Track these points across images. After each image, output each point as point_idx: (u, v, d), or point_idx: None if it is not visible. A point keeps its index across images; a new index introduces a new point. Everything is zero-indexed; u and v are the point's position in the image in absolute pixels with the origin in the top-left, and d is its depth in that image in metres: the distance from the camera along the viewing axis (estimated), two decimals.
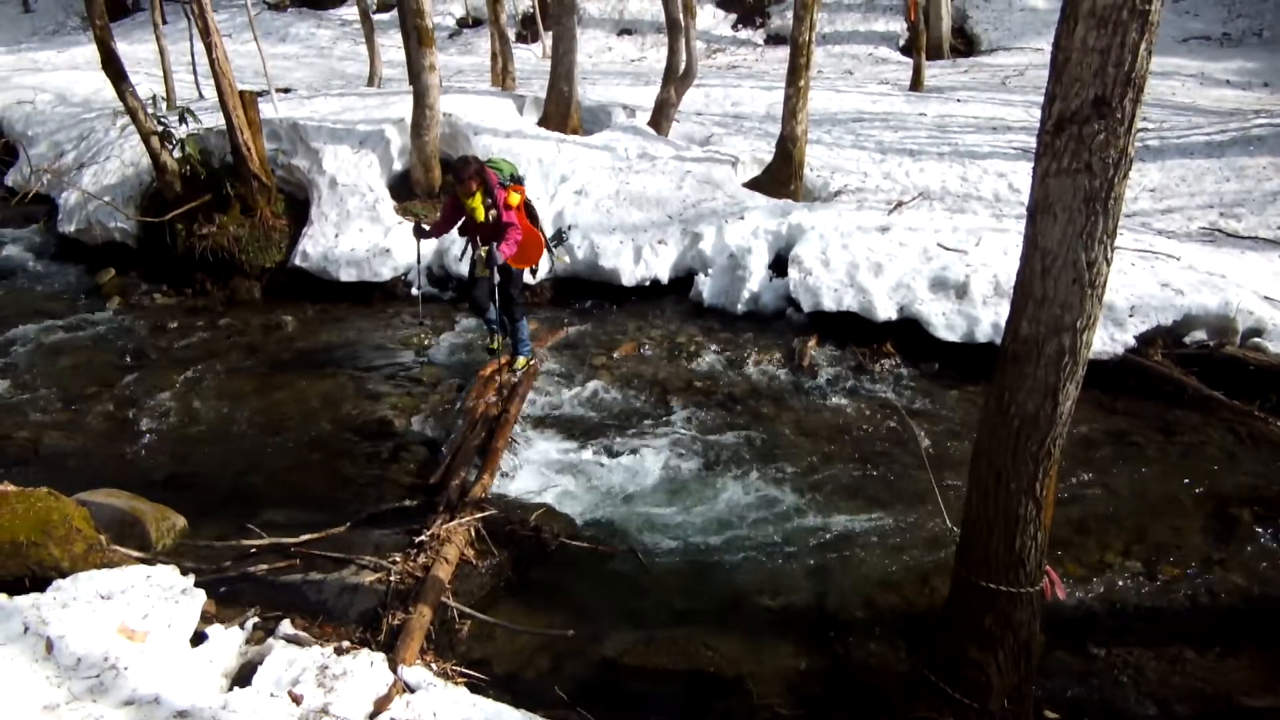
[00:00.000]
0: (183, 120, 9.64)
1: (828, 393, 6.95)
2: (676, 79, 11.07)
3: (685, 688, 4.27)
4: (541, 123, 11.08)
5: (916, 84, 14.45)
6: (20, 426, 6.77)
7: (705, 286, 8.44)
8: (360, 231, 9.20)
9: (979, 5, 19.10)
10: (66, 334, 8.52)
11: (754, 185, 9.99)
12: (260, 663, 3.73)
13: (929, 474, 5.13)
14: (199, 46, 10.03)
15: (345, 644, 3.98)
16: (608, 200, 9.35)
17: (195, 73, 13.63)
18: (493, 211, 6.55)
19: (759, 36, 20.11)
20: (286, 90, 13.27)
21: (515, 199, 6.67)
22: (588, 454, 6.21)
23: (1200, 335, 6.86)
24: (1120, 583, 4.84)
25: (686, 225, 8.88)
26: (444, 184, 9.79)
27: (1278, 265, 7.76)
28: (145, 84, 10.96)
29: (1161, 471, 5.81)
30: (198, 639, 3.86)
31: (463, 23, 21.95)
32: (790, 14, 12.11)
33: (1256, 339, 6.70)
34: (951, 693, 3.77)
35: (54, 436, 6.64)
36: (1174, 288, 7.01)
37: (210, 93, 11.06)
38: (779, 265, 8.30)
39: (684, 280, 8.70)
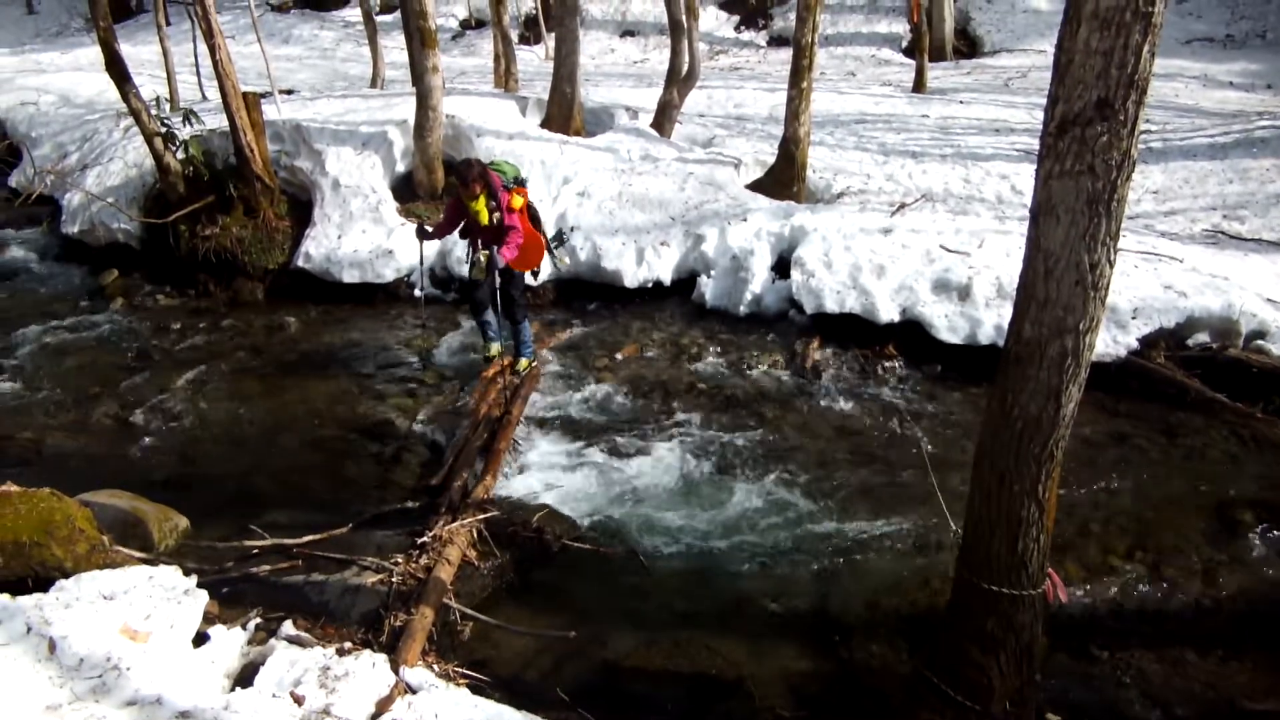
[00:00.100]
0: (186, 122, 9.66)
1: (830, 395, 6.95)
2: (679, 81, 11.08)
3: (687, 689, 4.27)
4: (544, 124, 11.09)
5: (919, 86, 14.45)
6: (23, 427, 6.78)
7: (708, 288, 8.44)
8: (363, 233, 9.21)
9: (982, 7, 19.09)
10: (69, 335, 8.54)
11: (756, 187, 9.99)
12: (262, 663, 3.74)
13: (931, 476, 5.13)
14: (202, 48, 10.04)
15: (347, 645, 3.98)
16: (610, 202, 9.36)
17: (198, 74, 13.67)
18: (496, 214, 6.55)
19: (761, 38, 20.11)
20: (289, 92, 13.29)
21: (518, 202, 6.68)
22: (590, 456, 6.21)
23: (1203, 337, 6.85)
24: (1123, 585, 4.83)
25: (689, 227, 8.88)
26: (447, 185, 9.80)
27: None
28: (149, 85, 10.98)
29: (1164, 474, 5.80)
30: (200, 639, 3.87)
31: (466, 24, 21.97)
32: (793, 16, 12.12)
33: (1259, 341, 6.69)
34: (953, 695, 3.77)
35: (57, 437, 6.65)
36: (1177, 290, 7.00)
37: (213, 94, 11.07)
38: (781, 267, 8.29)
39: (686, 282, 8.69)
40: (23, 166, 12.48)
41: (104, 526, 4.67)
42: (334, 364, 7.81)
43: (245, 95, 9.10)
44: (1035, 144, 3.23)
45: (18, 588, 4.01)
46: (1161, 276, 7.19)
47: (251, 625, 4.14)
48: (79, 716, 3.27)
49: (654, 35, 20.05)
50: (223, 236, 9.34)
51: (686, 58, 10.92)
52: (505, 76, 13.45)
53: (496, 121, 10.63)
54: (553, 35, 14.07)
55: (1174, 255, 7.56)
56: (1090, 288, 3.08)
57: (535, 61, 18.16)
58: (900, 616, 4.67)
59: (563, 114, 11.09)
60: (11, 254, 10.75)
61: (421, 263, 7.75)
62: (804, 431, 6.45)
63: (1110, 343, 6.72)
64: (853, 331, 7.55)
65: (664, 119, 11.23)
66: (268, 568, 4.83)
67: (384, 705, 3.59)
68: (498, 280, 6.74)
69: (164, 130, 9.41)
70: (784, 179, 10.01)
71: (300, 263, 9.20)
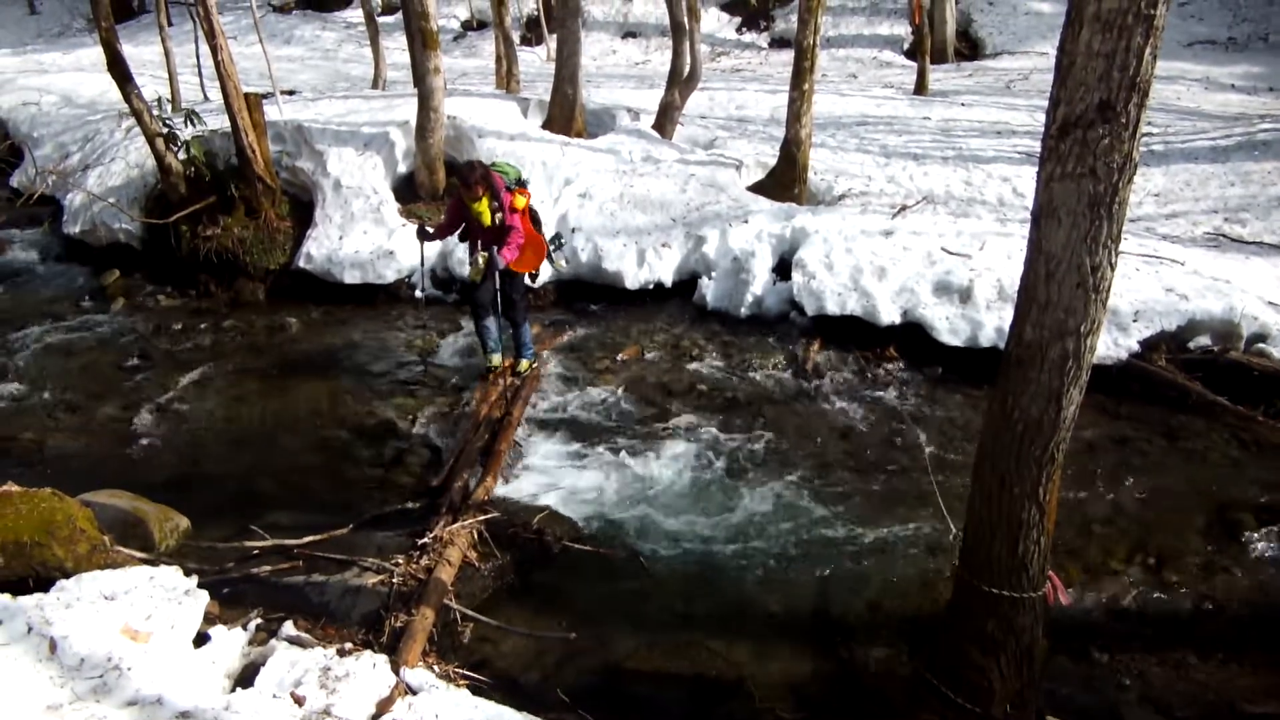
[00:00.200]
0: (188, 122, 9.67)
1: (831, 397, 6.95)
2: (681, 82, 11.08)
3: (687, 691, 4.27)
4: (546, 125, 11.10)
5: (921, 88, 14.44)
6: (25, 427, 6.79)
7: (709, 290, 8.44)
8: (364, 234, 9.22)
9: (983, 9, 19.09)
10: (71, 335, 8.54)
11: (758, 189, 9.99)
12: (263, 664, 3.74)
13: (931, 478, 5.14)
14: (204, 49, 10.06)
15: (348, 645, 3.98)
16: (612, 203, 9.36)
17: (200, 75, 13.67)
18: (499, 214, 6.55)
19: (763, 40, 20.11)
20: (291, 92, 13.30)
21: (521, 201, 6.69)
22: (591, 457, 6.21)
23: (1204, 340, 6.84)
24: (1123, 588, 4.83)
25: (690, 228, 8.89)
26: (448, 186, 9.80)
27: None
28: (150, 86, 10.98)
29: (1165, 477, 5.80)
30: (200, 640, 3.87)
31: (467, 25, 21.97)
32: (794, 18, 12.12)
33: (1261, 344, 6.69)
34: (954, 697, 3.77)
35: (58, 437, 6.66)
36: (1178, 293, 7.00)
37: (215, 95, 11.08)
38: (783, 269, 8.29)
39: (687, 283, 8.69)
40: (24, 167, 12.50)
41: (105, 527, 4.67)
42: (335, 365, 7.82)
43: (247, 96, 9.10)
44: (1037, 146, 3.23)
45: (19, 588, 4.01)
46: (1163, 279, 7.19)
47: (252, 626, 4.14)
48: (80, 716, 3.27)
49: (656, 37, 20.05)
50: (224, 237, 9.34)
51: (688, 59, 10.92)
52: (507, 78, 13.46)
53: (498, 122, 10.64)
54: (554, 36, 14.07)
55: (1175, 258, 7.56)
56: (1091, 290, 3.08)
57: (537, 63, 18.17)
58: (901, 618, 4.67)
59: (564, 115, 11.09)
60: (13, 254, 10.76)
61: (423, 264, 7.75)
62: (805, 433, 6.45)
63: (1111, 345, 6.72)
64: (854, 333, 7.55)
65: (665, 120, 11.23)
66: (268, 568, 4.84)
67: (384, 706, 3.59)
68: (498, 281, 6.74)
69: (166, 131, 9.42)
70: (785, 181, 10.00)
71: (301, 263, 9.20)
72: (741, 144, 11.23)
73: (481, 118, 10.61)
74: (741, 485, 5.84)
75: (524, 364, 7.21)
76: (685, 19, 10.78)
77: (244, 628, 4.08)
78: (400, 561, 4.77)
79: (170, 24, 14.27)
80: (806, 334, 7.75)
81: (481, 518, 5.18)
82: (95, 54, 13.54)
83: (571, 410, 6.86)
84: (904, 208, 9.33)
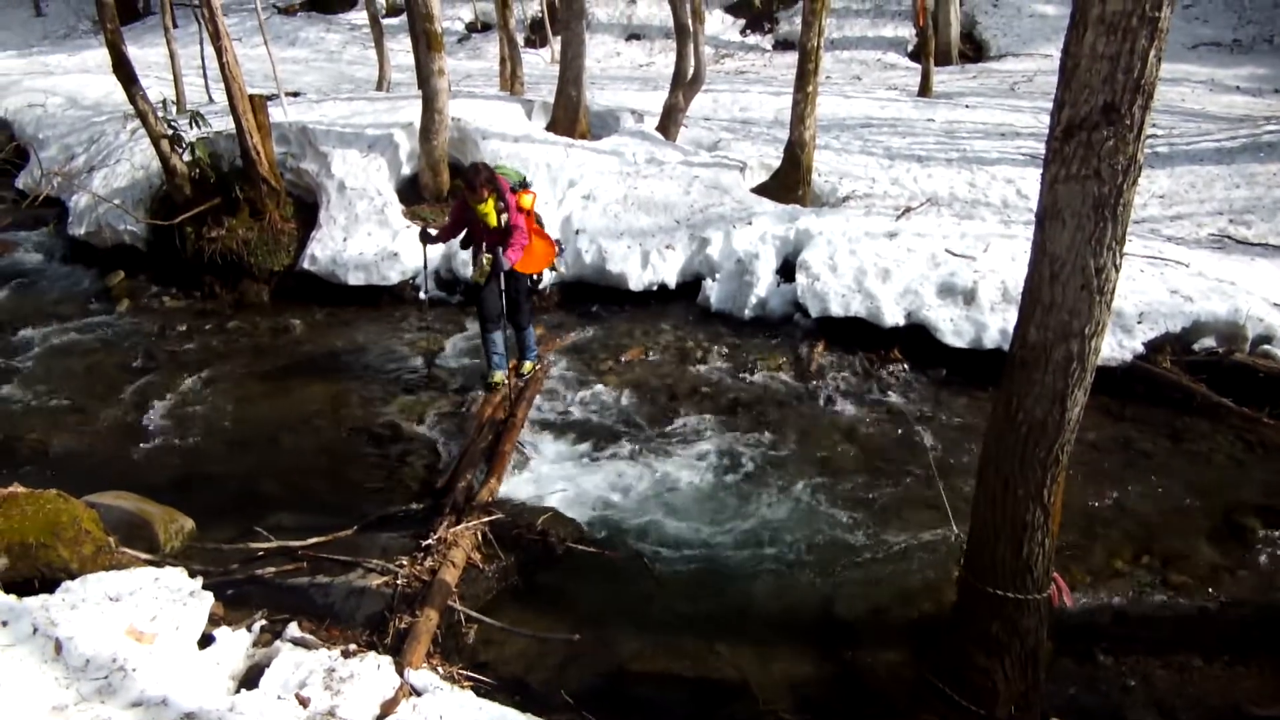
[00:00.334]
0: (193, 124, 9.69)
1: (835, 398, 6.94)
2: (685, 84, 11.08)
3: (691, 693, 4.27)
4: (550, 127, 11.10)
5: (925, 90, 14.43)
6: (30, 428, 6.81)
7: (713, 291, 8.44)
8: (369, 235, 9.23)
9: (988, 11, 19.08)
10: (76, 336, 8.57)
11: (762, 190, 9.99)
12: (267, 665, 3.74)
13: (936, 480, 5.13)
14: (209, 50, 10.10)
15: (352, 647, 3.98)
16: (615, 205, 9.37)
17: (205, 76, 13.69)
18: (504, 216, 6.55)
19: (767, 42, 20.11)
20: (296, 94, 13.32)
21: (528, 202, 6.70)
22: (595, 459, 6.22)
23: (1209, 342, 6.83)
24: (1128, 590, 4.82)
25: (694, 230, 8.89)
26: (452, 188, 9.81)
27: None
28: (155, 88, 11.01)
29: (1170, 479, 5.79)
30: (205, 641, 3.87)
31: (471, 27, 22.00)
32: (798, 19, 12.12)
33: (1266, 346, 6.68)
34: (958, 699, 3.77)
35: (63, 438, 6.68)
36: (1183, 294, 6.99)
37: (220, 96, 11.10)
38: (787, 270, 8.29)
39: (691, 285, 8.70)
40: (30, 168, 12.52)
41: (110, 528, 4.67)
42: (339, 366, 7.83)
43: (252, 97, 9.12)
44: (1041, 148, 3.23)
45: (24, 589, 4.02)
46: (1167, 281, 7.18)
47: (257, 627, 4.14)
48: (85, 717, 3.27)
49: (659, 39, 20.05)
50: (229, 238, 9.36)
51: (692, 61, 10.93)
52: (511, 79, 13.47)
53: (502, 124, 10.65)
54: (558, 38, 14.09)
55: (1180, 260, 7.55)
56: (1096, 292, 3.07)
57: (541, 64, 18.19)
58: (904, 620, 4.67)
59: (568, 117, 11.10)
60: (19, 256, 10.79)
61: (425, 266, 7.76)
62: (808, 435, 6.45)
63: (1116, 347, 6.71)
64: (858, 335, 7.55)
65: (669, 122, 11.24)
66: (273, 569, 4.84)
67: (389, 707, 3.59)
68: (502, 282, 6.74)
69: (170, 132, 9.44)
70: (789, 182, 10.01)
71: (306, 265, 9.22)
72: (745, 146, 11.24)
73: (486, 119, 10.62)
74: (745, 487, 5.84)
75: (528, 365, 7.21)
76: (689, 21, 10.79)
77: (248, 629, 4.08)
78: (404, 563, 4.77)
79: (175, 26, 14.31)
80: (810, 336, 7.74)
81: (485, 519, 5.18)
82: (100, 56, 13.58)
83: (575, 412, 6.86)
84: (908, 209, 9.33)
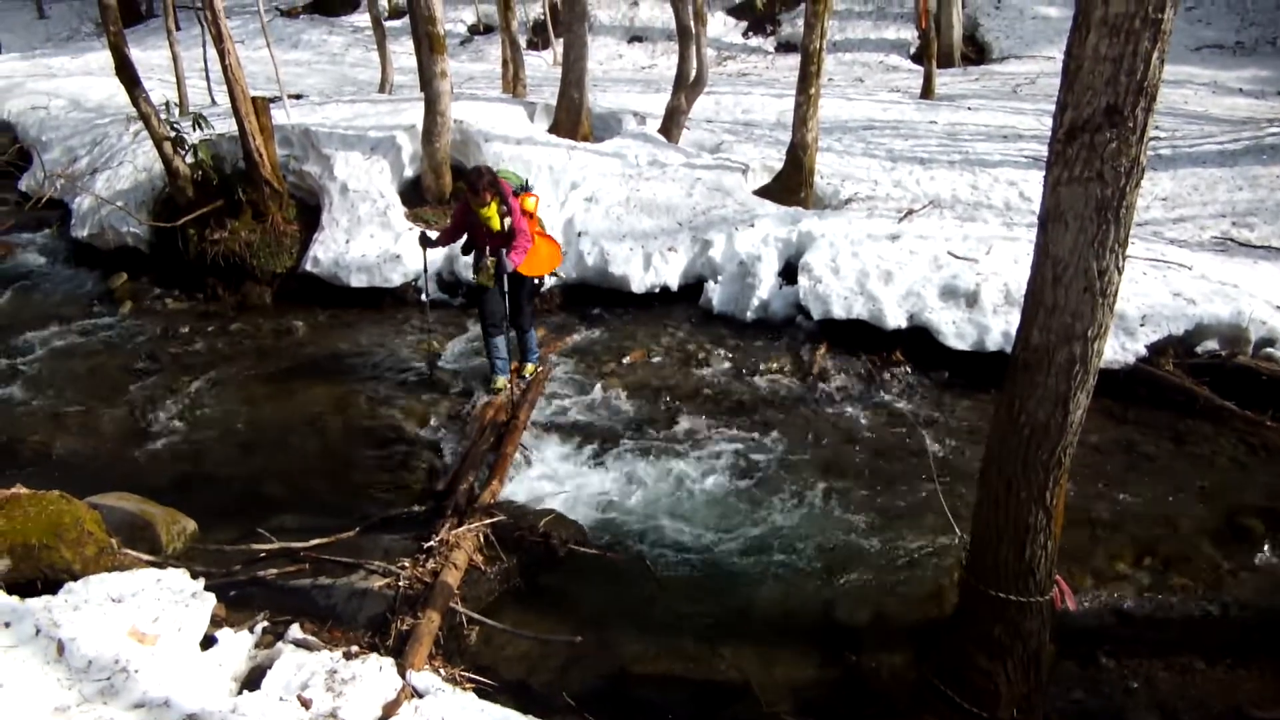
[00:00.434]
0: (195, 126, 9.71)
1: (837, 401, 6.94)
2: (687, 86, 11.09)
3: (692, 695, 4.27)
4: (552, 129, 11.11)
5: (927, 92, 14.43)
6: (33, 430, 6.82)
7: (715, 294, 8.44)
8: (371, 237, 9.24)
9: (990, 13, 19.08)
10: (79, 338, 8.58)
11: (764, 193, 9.99)
12: (269, 666, 3.74)
13: (938, 483, 5.13)
14: (212, 53, 10.10)
15: (354, 648, 3.99)
16: (618, 207, 9.37)
17: (208, 79, 13.72)
18: (507, 219, 6.55)
19: (770, 44, 20.12)
20: (298, 96, 13.33)
21: (531, 204, 6.71)
22: (597, 460, 6.22)
23: (1212, 345, 6.83)
24: (1131, 593, 4.82)
25: (696, 232, 8.89)
26: (454, 190, 9.82)
27: None
28: (158, 90, 11.04)
29: (1173, 481, 5.78)
30: (207, 642, 3.88)
31: (474, 30, 22.03)
32: (801, 22, 12.15)
33: (1269, 349, 6.67)
34: (960, 702, 3.76)
35: (66, 440, 6.68)
36: (1186, 297, 6.98)
37: (223, 99, 11.13)
38: (789, 273, 8.29)
39: (694, 287, 8.70)
40: (33, 170, 12.55)
41: (112, 529, 4.68)
42: (341, 368, 7.83)
43: (254, 100, 9.14)
44: (1044, 150, 3.23)
45: (27, 590, 4.02)
46: (1170, 283, 7.17)
47: (259, 628, 4.15)
48: (87, 718, 3.28)
49: (662, 41, 20.06)
50: (231, 240, 9.37)
51: (694, 63, 10.94)
52: (513, 82, 13.48)
53: (504, 126, 10.65)
54: (561, 41, 14.11)
55: (1183, 262, 7.54)
56: (1099, 294, 3.07)
57: (543, 67, 18.20)
58: (907, 622, 4.67)
59: (571, 119, 11.10)
60: (22, 257, 10.81)
61: (425, 269, 7.75)
62: (811, 437, 6.45)
63: (1118, 349, 6.71)
64: (860, 337, 7.54)
65: (672, 124, 11.24)
66: (275, 571, 4.85)
67: (390, 709, 3.59)
68: (505, 285, 6.75)
69: (173, 134, 9.45)
70: (791, 185, 10.01)
71: (308, 267, 9.23)
72: (747, 148, 11.24)
73: (488, 122, 10.63)
74: (747, 489, 5.83)
75: (530, 367, 7.22)
76: (691, 23, 10.79)
77: (251, 630, 4.09)
78: (406, 565, 4.78)
79: (178, 28, 14.32)
80: (813, 338, 7.74)
81: (487, 521, 5.18)
82: (103, 58, 13.58)
83: (577, 414, 6.86)
84: (910, 212, 9.33)
